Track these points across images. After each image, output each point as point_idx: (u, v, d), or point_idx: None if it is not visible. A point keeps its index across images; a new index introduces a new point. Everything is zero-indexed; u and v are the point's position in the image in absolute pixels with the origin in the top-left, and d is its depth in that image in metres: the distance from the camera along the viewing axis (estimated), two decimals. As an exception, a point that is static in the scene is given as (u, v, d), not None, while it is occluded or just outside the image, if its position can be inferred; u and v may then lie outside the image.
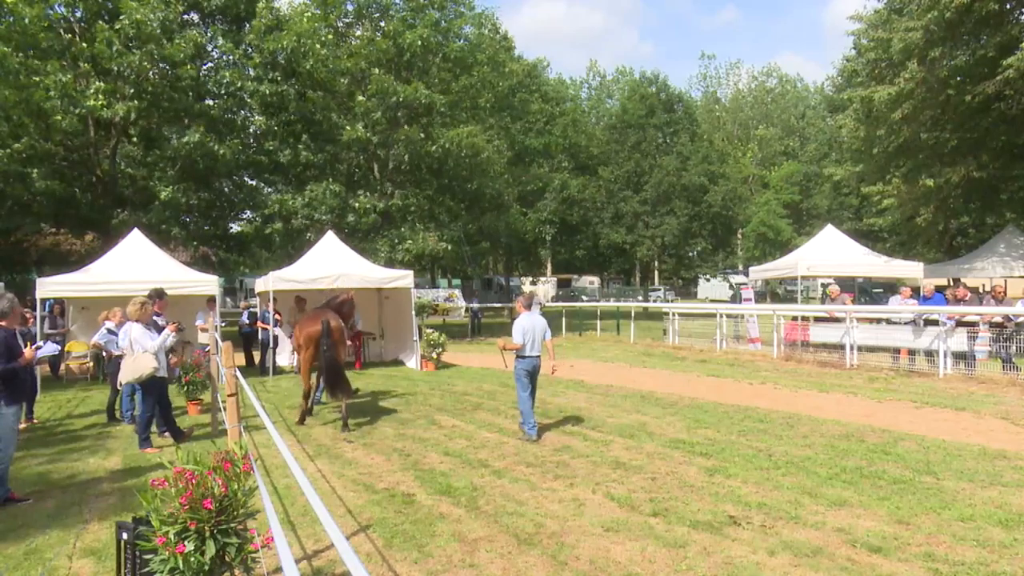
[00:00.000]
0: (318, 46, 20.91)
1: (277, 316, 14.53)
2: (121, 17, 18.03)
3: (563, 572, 4.17)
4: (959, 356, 11.95)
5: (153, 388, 7.62)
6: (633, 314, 21.69)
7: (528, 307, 8.19)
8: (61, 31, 18.73)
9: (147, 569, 3.19)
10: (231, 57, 22.24)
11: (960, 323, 12.20)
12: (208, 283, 13.83)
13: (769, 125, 64.16)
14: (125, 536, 3.52)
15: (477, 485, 5.94)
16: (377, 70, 20.99)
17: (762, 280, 24.00)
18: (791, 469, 6.21)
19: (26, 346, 5.97)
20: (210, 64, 22.70)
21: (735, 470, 6.21)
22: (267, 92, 20.97)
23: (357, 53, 21.67)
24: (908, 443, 7.10)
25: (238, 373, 5.61)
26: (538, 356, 7.95)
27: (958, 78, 16.28)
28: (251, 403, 6.25)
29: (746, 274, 25.00)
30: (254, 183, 24.48)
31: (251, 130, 22.90)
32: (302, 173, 22.79)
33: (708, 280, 53.76)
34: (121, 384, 7.63)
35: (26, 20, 16.78)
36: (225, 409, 5.35)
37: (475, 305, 26.90)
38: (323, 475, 6.38)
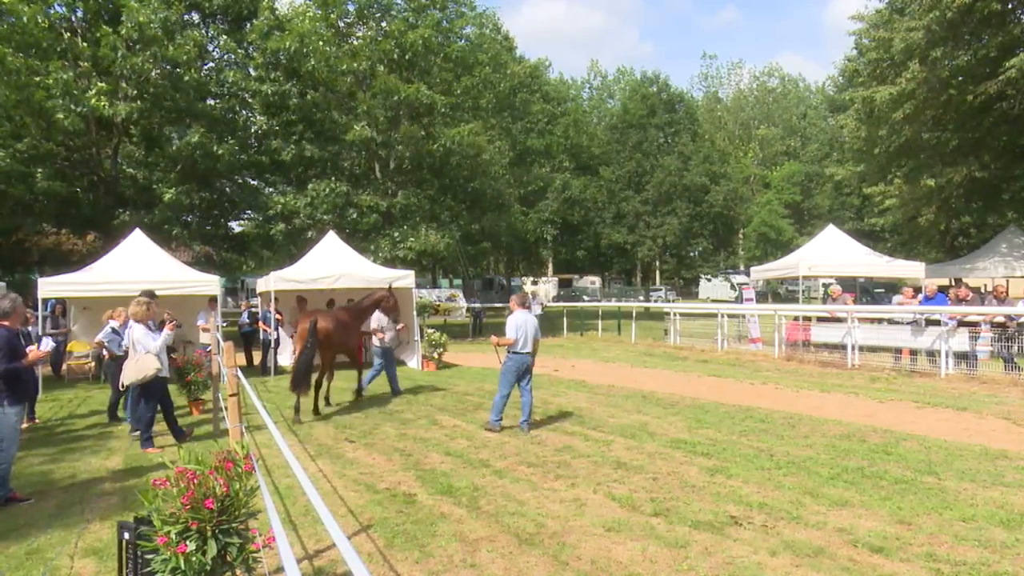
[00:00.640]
0: (321, 43, 20.93)
1: (278, 316, 14.55)
2: (123, 19, 18.05)
3: (564, 572, 4.17)
4: (961, 356, 11.93)
5: (156, 388, 7.62)
6: (634, 314, 21.69)
7: (523, 305, 8.35)
8: (62, 31, 18.74)
9: (149, 569, 3.20)
10: (232, 57, 22.27)
11: (962, 323, 12.19)
12: (209, 283, 13.85)
13: (770, 125, 64.16)
14: (127, 536, 3.53)
15: (478, 485, 5.94)
16: (381, 67, 21.00)
17: (763, 280, 23.99)
18: (792, 469, 6.20)
19: (29, 346, 5.96)
20: (211, 64, 22.73)
21: (736, 470, 6.21)
22: (269, 92, 20.99)
23: (359, 53, 21.69)
24: (909, 443, 7.10)
25: (239, 373, 5.62)
26: (529, 353, 8.14)
27: (960, 78, 16.26)
28: (252, 403, 6.25)
29: (747, 274, 24.98)
30: (255, 183, 24.50)
31: (252, 130, 22.93)
32: (303, 173, 22.81)
33: (709, 280, 53.70)
34: (123, 385, 7.62)
35: (25, 20, 16.79)
36: (226, 409, 5.35)
37: (476, 305, 26.89)
38: (324, 475, 6.38)
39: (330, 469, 6.60)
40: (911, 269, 17.92)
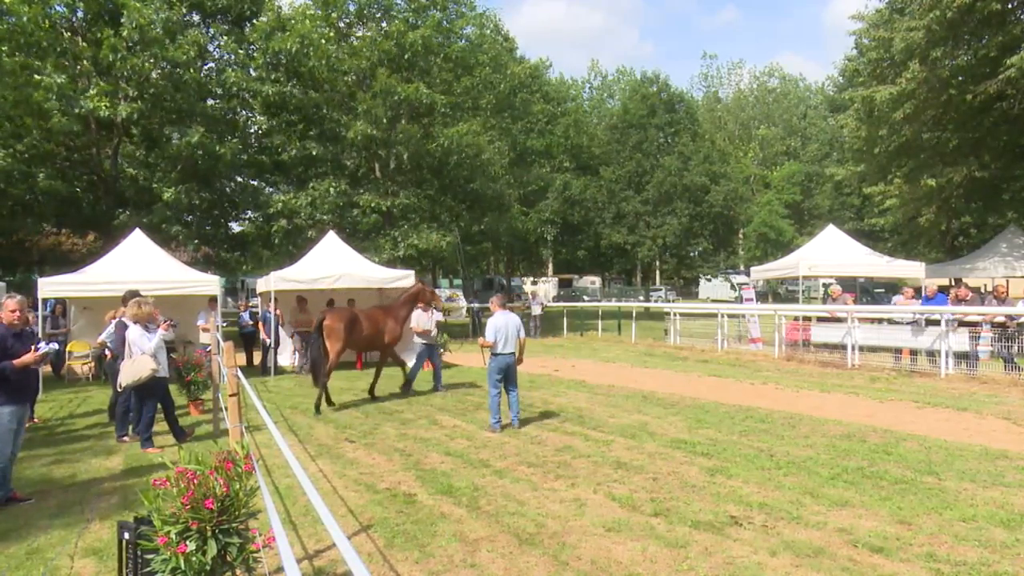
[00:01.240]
0: (323, 41, 20.93)
1: (278, 313, 14.56)
2: (123, 20, 18.04)
3: (564, 572, 4.17)
4: (961, 356, 11.93)
5: (155, 389, 7.61)
6: (634, 314, 21.69)
7: (503, 306, 8.58)
8: (63, 31, 18.73)
9: (149, 569, 3.20)
10: (233, 57, 22.27)
11: (962, 323, 12.18)
12: (209, 283, 13.85)
13: (770, 125, 64.13)
14: (127, 536, 3.53)
15: (478, 485, 5.94)
16: (381, 69, 21.00)
17: (763, 280, 23.99)
18: (792, 469, 6.20)
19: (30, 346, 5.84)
20: (211, 64, 22.73)
21: (736, 470, 6.21)
22: (269, 92, 21.00)
23: (359, 53, 21.68)
24: (910, 443, 7.10)
25: (239, 373, 5.62)
26: (511, 354, 8.35)
27: (960, 78, 16.26)
28: (252, 403, 6.25)
29: (747, 274, 24.98)
30: (256, 183, 24.50)
31: (252, 130, 22.90)
32: (304, 172, 22.81)
33: (709, 280, 53.71)
34: (121, 386, 7.60)
35: (24, 19, 16.77)
36: (226, 409, 5.35)
37: (476, 305, 26.89)
38: (324, 475, 6.38)
39: (330, 469, 6.60)
40: (911, 269, 17.91)
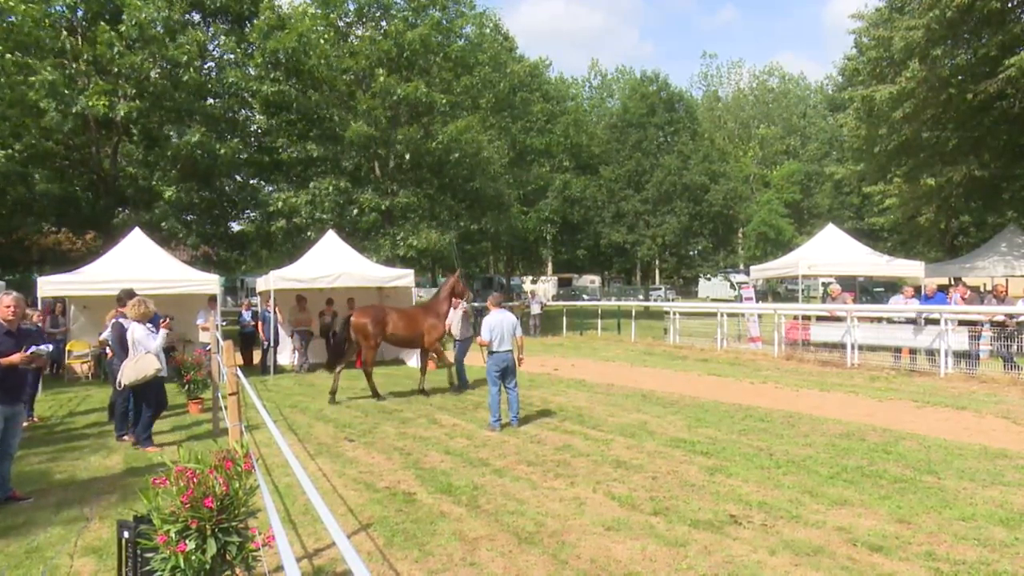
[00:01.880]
0: (322, 41, 20.92)
1: (277, 310, 14.55)
2: (123, 18, 18.02)
3: (564, 571, 4.17)
4: (960, 355, 11.93)
5: (152, 388, 7.60)
6: (634, 313, 21.68)
7: (498, 305, 8.72)
8: (63, 30, 18.71)
9: (148, 568, 3.20)
10: (233, 56, 22.26)
11: (962, 322, 12.19)
12: (209, 282, 13.85)
13: (770, 124, 64.06)
14: (126, 534, 3.53)
15: (478, 484, 5.94)
16: (380, 69, 20.99)
17: (763, 279, 23.97)
18: (792, 468, 6.20)
19: (29, 345, 5.81)
20: (211, 63, 22.71)
21: (736, 469, 6.21)
22: (269, 92, 20.99)
23: (359, 52, 21.67)
24: (909, 442, 7.10)
25: (239, 372, 5.62)
26: (508, 351, 8.43)
27: (959, 77, 16.26)
28: (252, 402, 6.25)
29: (747, 273, 24.97)
30: (255, 182, 24.50)
31: (252, 129, 22.86)
32: (304, 171, 22.80)
33: (709, 279, 53.67)
34: (121, 385, 7.58)
35: (22, 18, 16.75)
36: (226, 408, 5.35)
37: (476, 304, 26.87)
38: (324, 474, 6.38)
39: (330, 468, 6.60)
40: (911, 268, 17.92)
